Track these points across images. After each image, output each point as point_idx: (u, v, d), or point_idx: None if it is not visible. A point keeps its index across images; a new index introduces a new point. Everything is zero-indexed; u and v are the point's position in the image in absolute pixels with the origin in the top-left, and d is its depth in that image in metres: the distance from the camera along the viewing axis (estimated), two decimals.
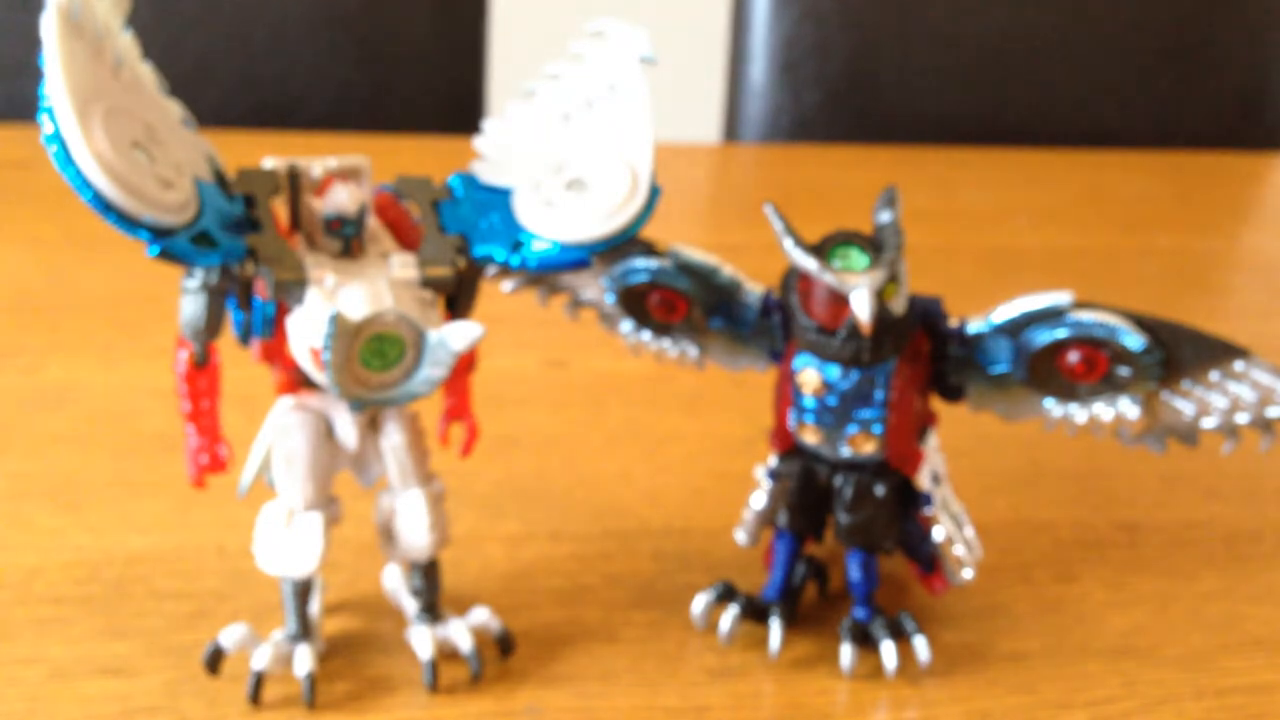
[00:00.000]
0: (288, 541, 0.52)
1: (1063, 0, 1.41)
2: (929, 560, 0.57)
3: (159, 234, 0.44)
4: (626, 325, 0.58)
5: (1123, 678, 0.56)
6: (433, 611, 0.54)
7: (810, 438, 0.54)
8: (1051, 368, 0.52)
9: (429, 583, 0.54)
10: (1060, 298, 0.51)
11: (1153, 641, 0.58)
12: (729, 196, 1.27)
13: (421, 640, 0.53)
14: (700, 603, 0.56)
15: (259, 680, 0.51)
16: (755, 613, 0.56)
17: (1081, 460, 0.73)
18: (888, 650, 0.54)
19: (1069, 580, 0.62)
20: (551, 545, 0.63)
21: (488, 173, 0.53)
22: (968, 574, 0.56)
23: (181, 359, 0.50)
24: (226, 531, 0.61)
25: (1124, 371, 0.52)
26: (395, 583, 0.57)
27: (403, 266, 0.49)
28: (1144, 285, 1.04)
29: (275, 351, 0.51)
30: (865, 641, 0.55)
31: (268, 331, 0.49)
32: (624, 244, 0.51)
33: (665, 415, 0.77)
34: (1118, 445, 0.55)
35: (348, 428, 0.51)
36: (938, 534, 0.55)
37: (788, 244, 0.50)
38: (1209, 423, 0.53)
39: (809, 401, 0.53)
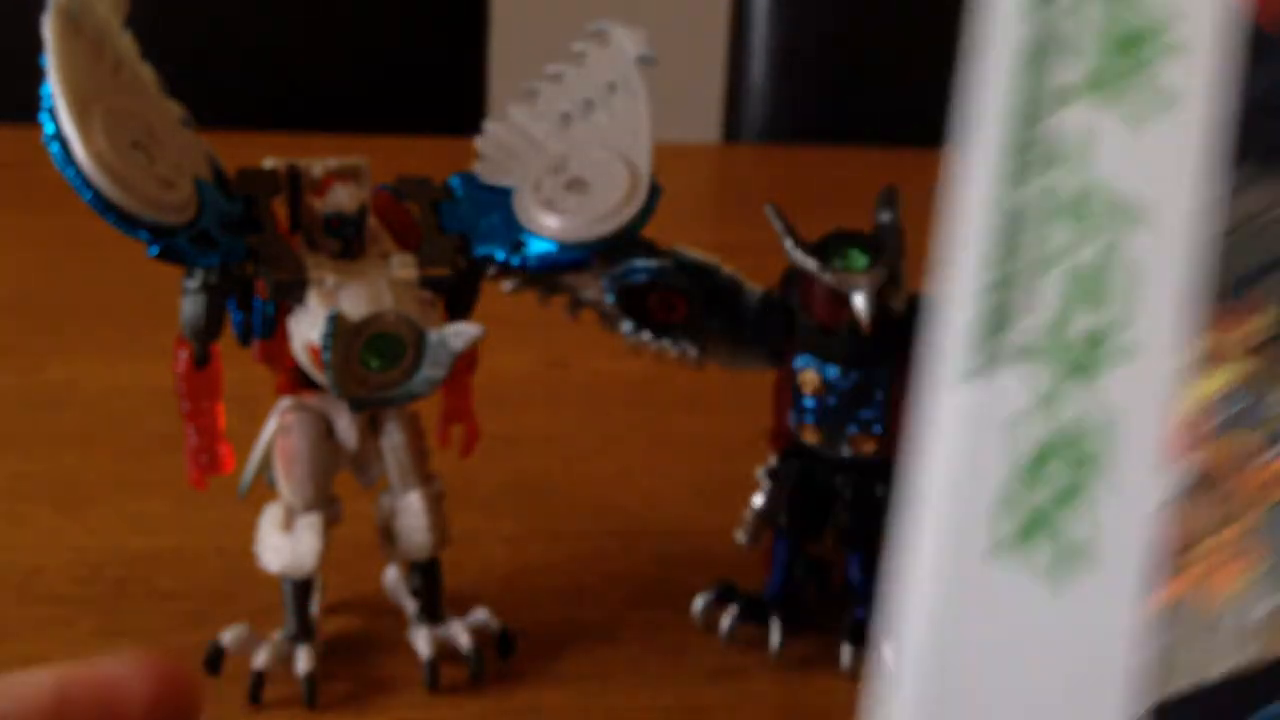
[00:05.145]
0: (288, 541, 0.52)
1: None
2: None
3: (159, 234, 0.45)
4: (627, 325, 0.58)
5: None
6: (433, 611, 0.54)
7: (810, 438, 0.54)
8: None
9: (429, 583, 0.54)
10: None
11: None
12: (729, 196, 1.27)
13: (421, 640, 0.53)
14: (700, 603, 0.56)
15: (259, 680, 0.51)
16: (755, 613, 0.56)
17: None
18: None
19: None
20: (551, 545, 0.63)
21: (488, 173, 0.53)
22: None
23: (181, 359, 0.50)
24: (226, 531, 0.61)
25: None
26: (395, 583, 0.57)
27: (403, 266, 0.49)
28: None
29: (275, 351, 0.51)
30: (865, 641, 0.55)
31: (268, 331, 0.49)
32: (624, 244, 0.51)
33: (665, 415, 0.77)
34: None
35: (348, 428, 0.51)
36: None
37: (788, 244, 0.50)
38: None
39: (809, 401, 0.53)
